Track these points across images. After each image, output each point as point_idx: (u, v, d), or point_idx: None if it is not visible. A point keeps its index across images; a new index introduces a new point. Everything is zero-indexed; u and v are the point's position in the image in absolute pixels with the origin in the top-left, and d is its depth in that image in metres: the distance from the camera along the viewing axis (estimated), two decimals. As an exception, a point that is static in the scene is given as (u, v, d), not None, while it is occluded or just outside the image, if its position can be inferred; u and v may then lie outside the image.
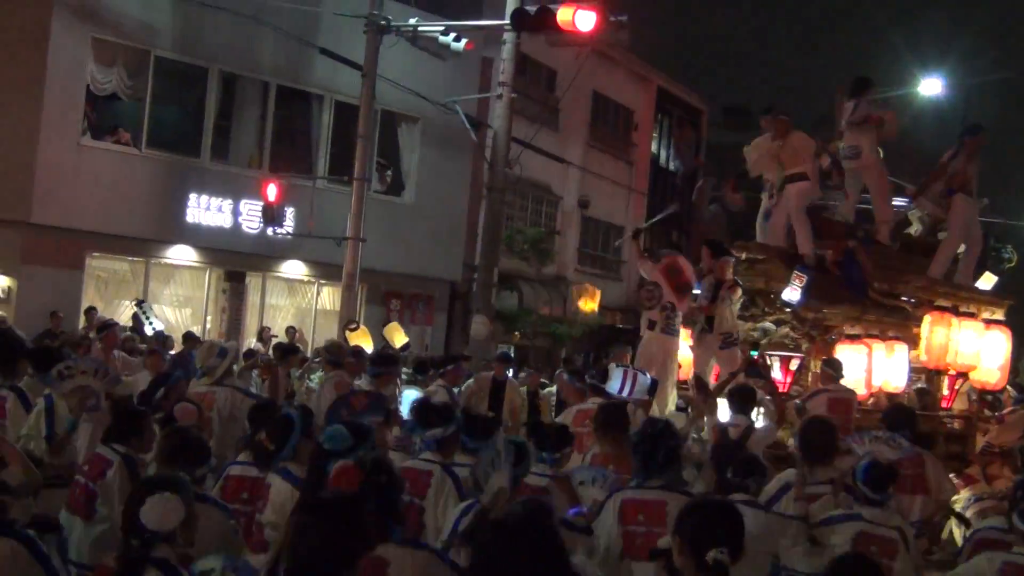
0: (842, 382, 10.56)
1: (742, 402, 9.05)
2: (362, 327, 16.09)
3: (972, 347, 11.97)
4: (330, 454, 5.26)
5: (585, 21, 16.02)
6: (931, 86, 31.30)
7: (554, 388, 15.53)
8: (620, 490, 5.96)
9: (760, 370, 10.82)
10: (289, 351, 12.87)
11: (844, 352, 11.31)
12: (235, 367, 9.71)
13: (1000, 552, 5.60)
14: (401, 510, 4.80)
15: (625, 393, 9.31)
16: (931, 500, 8.07)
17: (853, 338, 11.61)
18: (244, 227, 21.06)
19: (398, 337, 16.06)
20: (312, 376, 14.99)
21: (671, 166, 38.63)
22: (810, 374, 11.50)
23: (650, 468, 5.89)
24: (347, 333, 15.56)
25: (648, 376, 9.74)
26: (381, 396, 8.61)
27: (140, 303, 16.94)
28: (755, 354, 11.38)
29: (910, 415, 8.73)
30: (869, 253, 12.38)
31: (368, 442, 5.54)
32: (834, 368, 10.57)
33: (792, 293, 11.51)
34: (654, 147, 37.72)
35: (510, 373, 14.94)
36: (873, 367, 11.41)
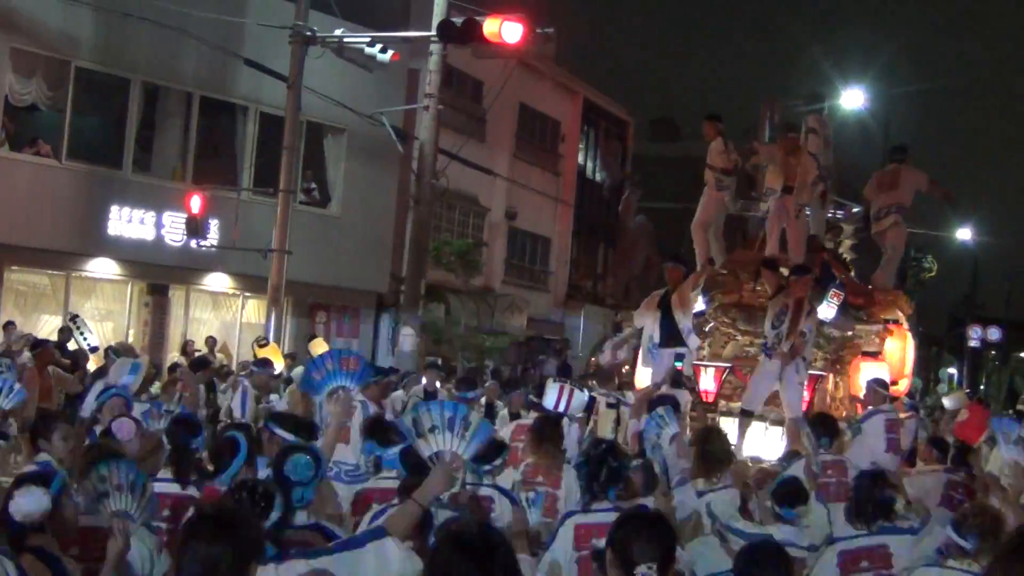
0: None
1: None
2: (272, 343, 15.99)
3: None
4: (295, 484, 5.14)
5: (512, 33, 16.06)
6: (853, 98, 31.81)
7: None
8: (572, 515, 5.90)
9: (685, 381, 10.92)
10: (201, 364, 12.73)
11: (867, 369, 11.45)
12: (157, 382, 9.61)
13: (934, 569, 5.49)
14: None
15: (561, 409, 9.31)
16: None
17: (872, 355, 11.78)
18: (167, 239, 20.74)
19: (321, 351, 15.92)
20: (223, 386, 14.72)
21: (598, 177, 38.88)
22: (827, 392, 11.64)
23: (594, 489, 5.87)
24: (256, 348, 15.44)
25: (585, 393, 9.75)
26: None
27: (74, 318, 16.66)
28: (680, 364, 11.45)
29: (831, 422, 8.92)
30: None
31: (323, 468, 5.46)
32: (885, 388, 10.62)
33: (828, 310, 11.51)
34: (581, 158, 37.87)
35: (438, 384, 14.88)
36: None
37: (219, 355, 19.97)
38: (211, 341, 20.48)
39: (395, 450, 6.34)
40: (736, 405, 11.30)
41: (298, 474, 5.20)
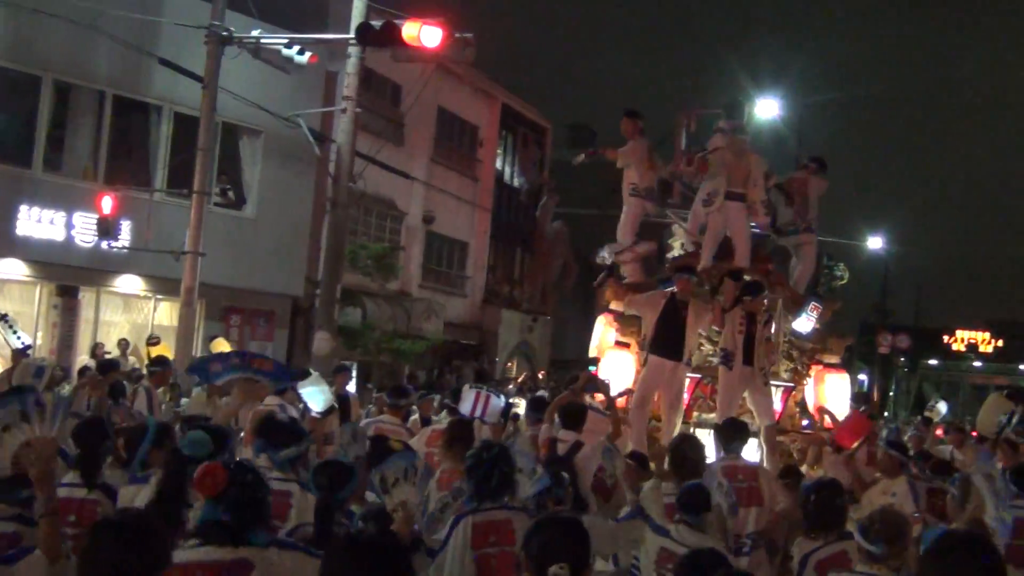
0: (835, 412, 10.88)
1: (572, 419, 9.13)
2: (163, 342, 15.86)
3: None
4: (189, 460, 5.14)
5: (431, 37, 16.05)
6: (767, 108, 32.25)
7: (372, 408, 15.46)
8: (465, 515, 5.89)
9: (599, 386, 10.95)
10: (108, 367, 12.54)
11: (833, 381, 11.56)
12: (67, 385, 9.45)
13: (843, 573, 5.60)
14: (267, 512, 4.68)
15: (477, 415, 9.31)
16: (765, 511, 8.28)
17: (835, 367, 11.87)
18: (77, 240, 20.35)
19: (224, 346, 15.80)
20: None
21: (516, 182, 38.98)
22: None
23: (483, 491, 5.86)
24: (148, 348, 15.30)
25: (501, 399, 9.76)
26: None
27: (3, 317, 16.28)
28: (593, 369, 11.49)
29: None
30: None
31: (227, 448, 5.45)
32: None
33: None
34: (499, 164, 37.97)
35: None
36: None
37: (131, 358, 19.67)
38: (123, 344, 20.17)
39: (287, 452, 6.33)
40: (709, 416, 11.24)
41: (193, 449, 5.27)
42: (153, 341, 15.57)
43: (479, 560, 5.62)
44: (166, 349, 15.27)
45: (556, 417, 8.98)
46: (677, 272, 11.33)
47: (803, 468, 10.26)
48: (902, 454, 8.96)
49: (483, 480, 5.84)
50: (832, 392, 11.99)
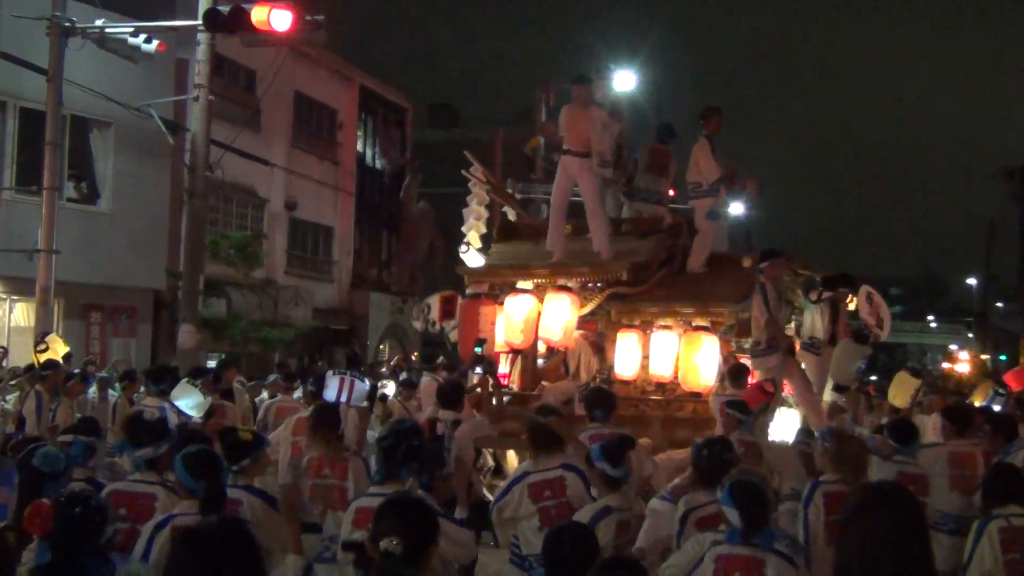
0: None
1: (450, 397, 9.18)
2: (53, 337, 15.49)
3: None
4: (45, 476, 5.05)
5: (280, 21, 15.88)
6: (625, 80, 32.59)
7: (265, 396, 15.37)
8: (358, 498, 5.90)
9: (485, 365, 11.04)
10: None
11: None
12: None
13: (710, 532, 5.73)
14: (102, 542, 4.57)
15: (343, 400, 9.25)
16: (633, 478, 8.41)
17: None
18: (-76, 243, 19.66)
19: (59, 347, 15.41)
20: (8, 397, 14.33)
21: (378, 164, 38.78)
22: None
23: (390, 465, 5.86)
24: (36, 355, 14.88)
25: (366, 382, 9.72)
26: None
27: None
28: (479, 350, 11.55)
29: (606, 396, 9.09)
30: None
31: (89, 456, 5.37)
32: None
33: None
34: (360, 146, 37.70)
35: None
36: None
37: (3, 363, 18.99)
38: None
39: (143, 452, 6.25)
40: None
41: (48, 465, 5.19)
42: (42, 348, 15.11)
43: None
44: (55, 348, 14.88)
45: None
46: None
47: None
48: (743, 413, 8.83)
49: (389, 453, 5.86)
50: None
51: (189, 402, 9.84)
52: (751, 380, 10.64)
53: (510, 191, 14.20)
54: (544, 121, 35.45)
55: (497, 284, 12.49)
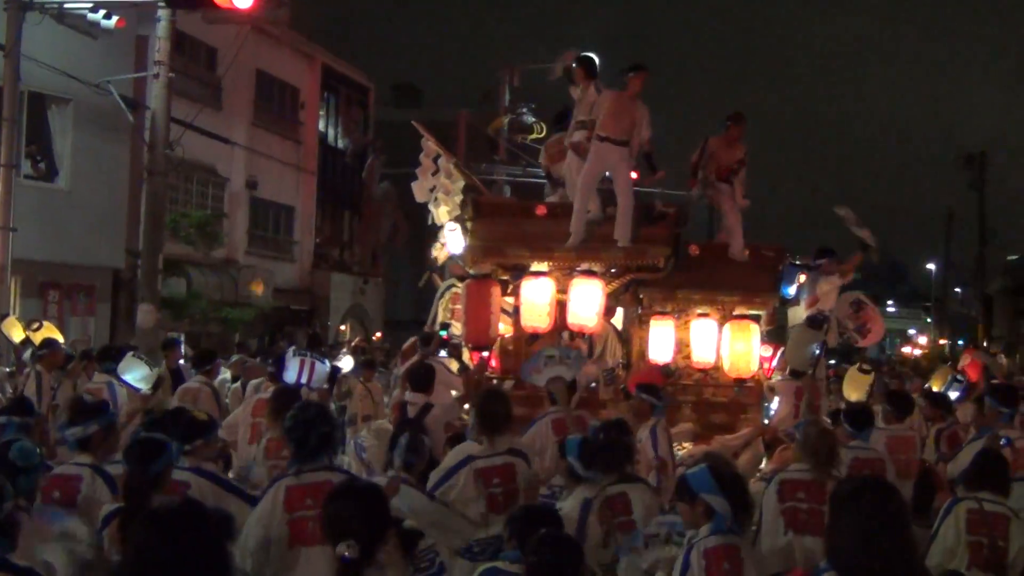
0: None
1: (421, 380, 9.18)
2: (46, 323, 15.23)
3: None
4: (19, 471, 5.04)
5: (242, -2, 15.80)
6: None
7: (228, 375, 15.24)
8: (282, 478, 5.81)
9: (451, 350, 11.06)
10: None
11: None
12: None
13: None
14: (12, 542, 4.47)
15: (303, 382, 9.21)
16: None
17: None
18: None
19: (16, 332, 15.17)
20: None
21: (340, 144, 38.60)
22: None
23: (302, 452, 5.77)
24: (31, 333, 14.63)
25: (327, 364, 9.68)
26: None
27: None
28: (444, 334, 11.54)
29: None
30: None
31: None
32: None
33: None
34: (322, 125, 37.53)
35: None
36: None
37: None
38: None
39: (73, 432, 6.25)
40: None
41: (22, 459, 5.22)
42: (36, 327, 14.82)
43: (293, 523, 5.53)
44: (51, 328, 14.60)
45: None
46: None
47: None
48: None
49: (301, 441, 5.76)
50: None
51: (136, 375, 9.73)
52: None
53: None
54: (507, 102, 35.44)
55: (505, 266, 12.05)
